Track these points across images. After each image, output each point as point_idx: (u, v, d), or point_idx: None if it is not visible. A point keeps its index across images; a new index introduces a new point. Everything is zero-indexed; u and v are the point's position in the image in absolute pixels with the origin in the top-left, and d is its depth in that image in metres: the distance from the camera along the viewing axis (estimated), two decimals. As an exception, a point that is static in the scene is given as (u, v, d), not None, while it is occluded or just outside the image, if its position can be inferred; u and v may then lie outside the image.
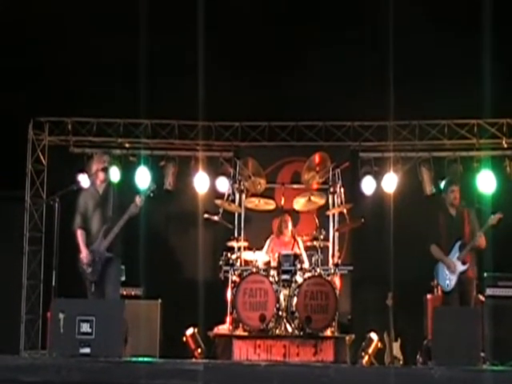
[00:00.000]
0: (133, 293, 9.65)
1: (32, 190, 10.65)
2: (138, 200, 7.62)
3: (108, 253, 7.64)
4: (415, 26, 9.70)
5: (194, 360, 8.67)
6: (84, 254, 7.64)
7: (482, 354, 7.70)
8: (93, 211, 7.74)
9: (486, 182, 10.30)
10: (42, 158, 10.81)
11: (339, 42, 10.15)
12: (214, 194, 10.31)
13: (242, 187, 9.51)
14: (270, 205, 9.68)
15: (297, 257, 8.83)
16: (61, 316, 6.94)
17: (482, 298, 9.16)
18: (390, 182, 10.44)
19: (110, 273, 7.64)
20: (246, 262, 9.21)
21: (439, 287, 8.66)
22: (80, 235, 7.72)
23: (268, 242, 9.46)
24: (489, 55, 9.12)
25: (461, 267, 8.31)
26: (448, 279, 8.31)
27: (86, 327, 6.90)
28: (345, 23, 10.16)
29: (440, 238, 8.41)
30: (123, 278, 8.11)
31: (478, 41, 9.06)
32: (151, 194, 7.81)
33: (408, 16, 9.55)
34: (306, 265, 9.03)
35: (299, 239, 9.34)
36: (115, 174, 9.76)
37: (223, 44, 10.07)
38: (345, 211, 9.32)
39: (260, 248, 9.34)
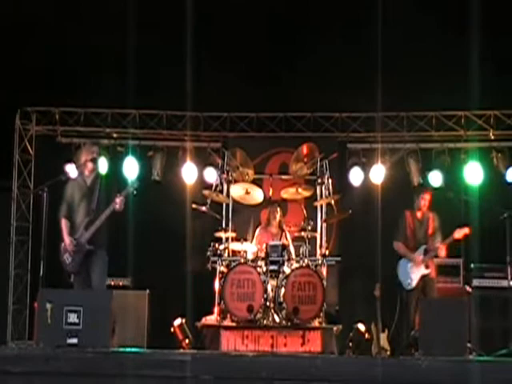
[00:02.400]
0: (121, 283, 9.65)
1: (19, 180, 10.62)
2: (118, 200, 7.60)
3: (89, 245, 7.62)
4: (403, 17, 9.71)
5: (181, 351, 8.66)
6: (66, 243, 7.63)
7: (469, 345, 7.75)
8: (79, 202, 7.74)
9: (474, 174, 10.35)
10: (29, 147, 10.77)
11: (327, 33, 10.15)
12: (202, 184, 10.30)
13: (230, 178, 9.50)
14: (256, 198, 9.64)
15: (285, 247, 8.84)
16: (48, 306, 6.92)
17: (468, 288, 9.22)
18: (378, 173, 10.46)
19: (94, 265, 7.63)
20: (234, 253, 9.21)
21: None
22: (64, 224, 7.72)
23: (256, 232, 9.46)
24: (476, 48, 9.14)
25: (423, 270, 8.65)
26: (410, 278, 8.64)
27: (73, 317, 6.89)
28: (332, 15, 10.15)
29: (405, 238, 8.80)
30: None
31: (465, 33, 9.07)
32: (134, 192, 7.79)
33: (396, 8, 9.55)
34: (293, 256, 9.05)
35: (287, 232, 9.35)
36: (103, 164, 9.73)
37: (212, 35, 10.04)
38: (332, 202, 9.33)
39: (248, 239, 9.35)
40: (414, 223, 8.86)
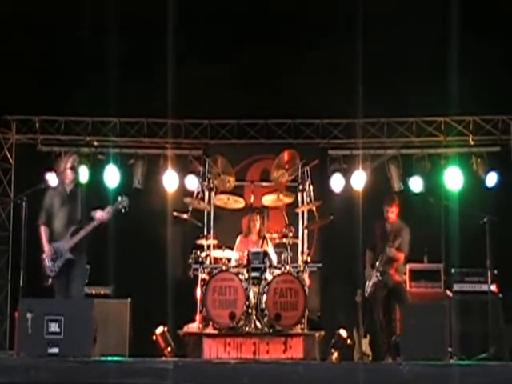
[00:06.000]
0: (102, 292, 9.61)
1: (-1, 188, 10.57)
2: (105, 213, 7.58)
3: (71, 254, 7.58)
4: (385, 25, 9.77)
5: (163, 359, 8.65)
6: (46, 250, 7.61)
7: (450, 349, 7.79)
8: (58, 209, 7.71)
9: (453, 179, 10.43)
10: (9, 156, 10.73)
11: (309, 41, 10.19)
12: (184, 192, 10.29)
13: (212, 185, 9.49)
14: (239, 203, 9.69)
15: (266, 254, 8.84)
16: (29, 316, 6.89)
17: (449, 293, 9.28)
18: (359, 179, 10.51)
19: (75, 274, 7.60)
20: (216, 260, 9.20)
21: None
22: (43, 231, 7.69)
23: (237, 240, 9.46)
24: (456, 54, 9.21)
25: (374, 278, 8.86)
26: (368, 287, 8.93)
27: (54, 327, 6.86)
28: (315, 22, 10.19)
29: (375, 247, 9.02)
30: (86, 280, 8.05)
31: (445, 40, 9.14)
32: (123, 211, 7.73)
33: (378, 15, 9.61)
34: (275, 262, 9.06)
35: (268, 238, 9.35)
36: (84, 173, 9.71)
37: (193, 42, 10.05)
38: (314, 209, 9.35)
39: (229, 246, 9.35)
40: (381, 233, 9.02)
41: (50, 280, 7.60)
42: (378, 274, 8.82)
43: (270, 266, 8.81)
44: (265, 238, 9.30)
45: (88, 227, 7.59)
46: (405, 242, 8.92)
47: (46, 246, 7.64)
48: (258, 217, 9.46)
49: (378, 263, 8.85)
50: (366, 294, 8.96)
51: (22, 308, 7.06)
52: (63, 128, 10.78)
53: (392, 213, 9.02)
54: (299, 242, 9.28)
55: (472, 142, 10.67)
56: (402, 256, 8.93)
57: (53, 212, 7.73)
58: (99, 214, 7.57)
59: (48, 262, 7.58)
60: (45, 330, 6.85)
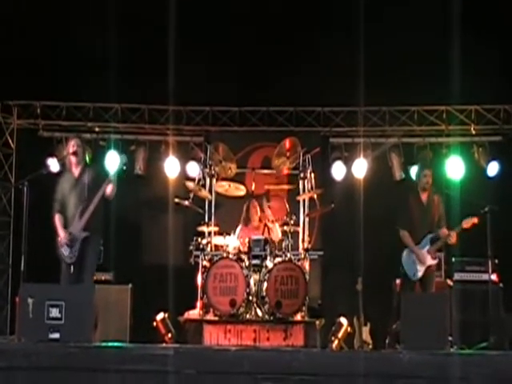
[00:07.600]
0: (103, 278, 9.62)
1: (0, 174, 10.55)
2: (108, 180, 7.63)
3: (85, 232, 7.61)
4: (386, 12, 9.74)
5: (164, 345, 8.67)
6: (62, 236, 7.62)
7: (450, 338, 7.79)
8: (69, 193, 7.75)
9: (455, 168, 10.43)
10: (10, 141, 10.73)
11: (310, 28, 10.16)
12: (185, 178, 10.28)
13: (213, 172, 9.49)
14: (240, 190, 9.69)
15: (267, 242, 8.85)
16: (30, 301, 6.89)
17: (449, 282, 9.28)
18: (360, 167, 10.51)
19: (87, 255, 7.62)
20: (217, 247, 9.20)
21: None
22: (57, 219, 7.72)
23: (238, 229, 9.46)
24: (458, 43, 9.18)
25: (430, 261, 8.26)
26: (416, 269, 8.25)
27: (55, 312, 6.86)
28: (316, 9, 10.15)
29: (411, 224, 8.28)
30: (100, 261, 8.04)
31: (447, 29, 9.11)
32: (124, 167, 7.80)
33: (380, 3, 9.58)
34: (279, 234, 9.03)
35: (272, 222, 9.35)
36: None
37: (194, 28, 10.02)
38: (315, 196, 9.34)
39: (230, 233, 9.35)
40: (418, 208, 8.34)
41: (72, 267, 7.59)
42: (430, 258, 8.19)
43: (271, 253, 8.82)
44: (265, 225, 9.30)
45: (94, 200, 7.60)
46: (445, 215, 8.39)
47: (61, 233, 7.65)
48: (257, 204, 9.45)
49: (429, 246, 8.21)
50: (415, 277, 8.21)
51: (22, 293, 7.06)
52: (64, 113, 10.77)
53: (430, 177, 8.35)
54: (300, 229, 9.28)
55: (474, 132, 10.67)
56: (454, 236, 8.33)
57: (65, 199, 7.76)
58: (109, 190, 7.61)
59: (65, 251, 7.59)
60: (46, 315, 6.85)
